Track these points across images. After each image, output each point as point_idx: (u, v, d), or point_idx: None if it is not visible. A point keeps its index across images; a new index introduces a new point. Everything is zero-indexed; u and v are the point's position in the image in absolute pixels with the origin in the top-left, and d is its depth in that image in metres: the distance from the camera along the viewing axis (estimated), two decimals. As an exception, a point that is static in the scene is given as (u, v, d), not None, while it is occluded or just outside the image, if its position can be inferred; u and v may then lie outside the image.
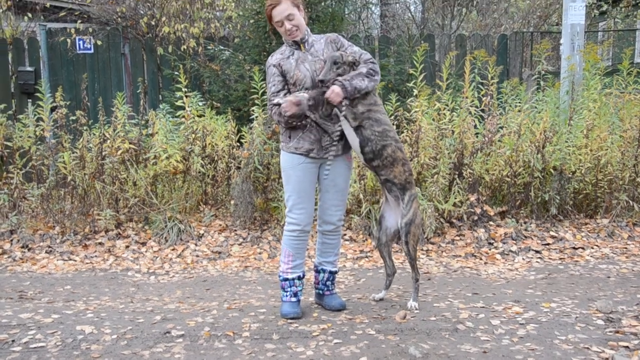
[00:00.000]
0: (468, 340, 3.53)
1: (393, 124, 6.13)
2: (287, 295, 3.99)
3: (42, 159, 6.37)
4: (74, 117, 6.39)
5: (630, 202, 5.91)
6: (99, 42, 8.42)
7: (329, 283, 4.13)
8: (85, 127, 6.33)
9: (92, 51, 8.49)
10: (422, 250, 5.55)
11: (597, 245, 5.60)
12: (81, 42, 8.40)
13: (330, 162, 3.88)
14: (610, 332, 3.60)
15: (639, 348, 3.32)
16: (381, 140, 3.81)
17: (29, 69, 8.30)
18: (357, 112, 3.79)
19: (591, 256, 5.40)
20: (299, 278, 3.99)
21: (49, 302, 4.42)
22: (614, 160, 6.03)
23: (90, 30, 8.55)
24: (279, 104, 3.74)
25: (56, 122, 6.37)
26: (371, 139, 3.79)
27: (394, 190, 3.97)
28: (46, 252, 5.74)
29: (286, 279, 3.97)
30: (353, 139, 3.84)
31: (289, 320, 3.88)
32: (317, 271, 4.13)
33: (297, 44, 3.85)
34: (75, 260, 5.60)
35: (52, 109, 6.51)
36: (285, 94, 3.80)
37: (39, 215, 6.26)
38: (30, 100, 7.69)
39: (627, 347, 3.35)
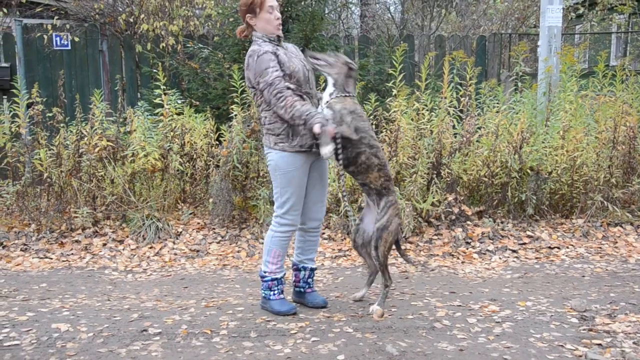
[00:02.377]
0: (445, 338, 3.56)
1: (372, 124, 6.17)
2: (275, 294, 3.99)
3: (17, 156, 6.29)
4: (50, 114, 6.32)
5: (605, 202, 6.00)
6: (77, 39, 8.33)
7: (309, 280, 4.15)
8: (62, 124, 6.26)
9: (69, 48, 8.39)
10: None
11: (572, 245, 5.67)
12: (58, 39, 8.31)
13: (317, 159, 3.91)
14: (584, 330, 3.65)
15: (612, 346, 3.38)
16: (356, 148, 3.80)
17: (4, 64, 8.19)
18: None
19: (566, 256, 5.47)
20: (284, 275, 4.03)
21: (24, 300, 4.37)
22: (589, 161, 6.11)
23: (68, 26, 8.45)
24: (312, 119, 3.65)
25: (32, 118, 6.30)
26: (346, 146, 3.77)
27: (371, 194, 3.99)
28: (21, 249, 5.67)
29: (275, 279, 3.97)
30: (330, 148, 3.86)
31: (268, 319, 3.88)
32: (298, 269, 4.14)
33: (278, 41, 3.85)
34: (51, 258, 5.54)
35: (28, 106, 6.43)
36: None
37: (14, 212, 6.18)
38: (5, 96, 7.58)
39: (600, 344, 3.41)
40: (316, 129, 3.61)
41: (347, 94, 3.85)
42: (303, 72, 3.82)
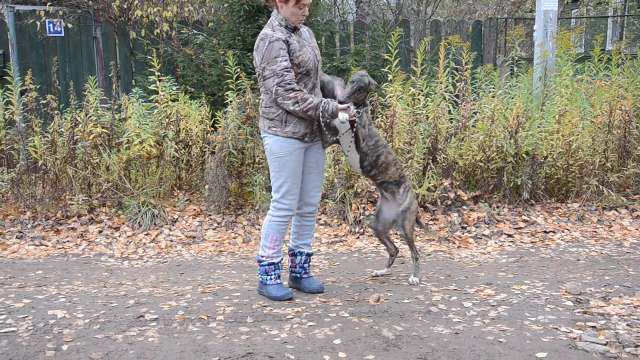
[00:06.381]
0: (440, 322, 3.58)
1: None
2: (272, 279, 4.01)
3: (12, 143, 6.27)
4: (44, 101, 6.29)
5: (600, 186, 6.01)
6: (70, 25, 8.28)
7: (306, 265, 4.16)
8: (56, 111, 6.23)
9: (62, 34, 8.34)
10: (395, 234, 5.58)
11: (567, 229, 5.68)
12: (51, 25, 8.25)
13: (314, 144, 3.94)
14: (578, 312, 3.67)
15: (606, 328, 3.40)
16: (375, 152, 4.05)
17: (-3, 52, 8.15)
18: (366, 138, 4.00)
19: (562, 240, 5.49)
20: (281, 260, 4.04)
21: (20, 287, 4.37)
22: (585, 146, 6.11)
23: (61, 13, 8.39)
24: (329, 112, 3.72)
25: (26, 105, 6.27)
26: (368, 153, 4.04)
27: (390, 188, 4.22)
28: (17, 237, 5.66)
29: (272, 263, 3.99)
30: (354, 157, 4.06)
31: (264, 304, 3.89)
32: (294, 254, 4.15)
33: (294, 29, 3.85)
34: (47, 246, 5.54)
35: (22, 93, 6.40)
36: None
37: (9, 200, 6.16)
38: (-1, 83, 7.55)
39: (594, 327, 3.43)
40: (341, 112, 3.72)
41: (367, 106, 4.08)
42: (314, 62, 3.83)
